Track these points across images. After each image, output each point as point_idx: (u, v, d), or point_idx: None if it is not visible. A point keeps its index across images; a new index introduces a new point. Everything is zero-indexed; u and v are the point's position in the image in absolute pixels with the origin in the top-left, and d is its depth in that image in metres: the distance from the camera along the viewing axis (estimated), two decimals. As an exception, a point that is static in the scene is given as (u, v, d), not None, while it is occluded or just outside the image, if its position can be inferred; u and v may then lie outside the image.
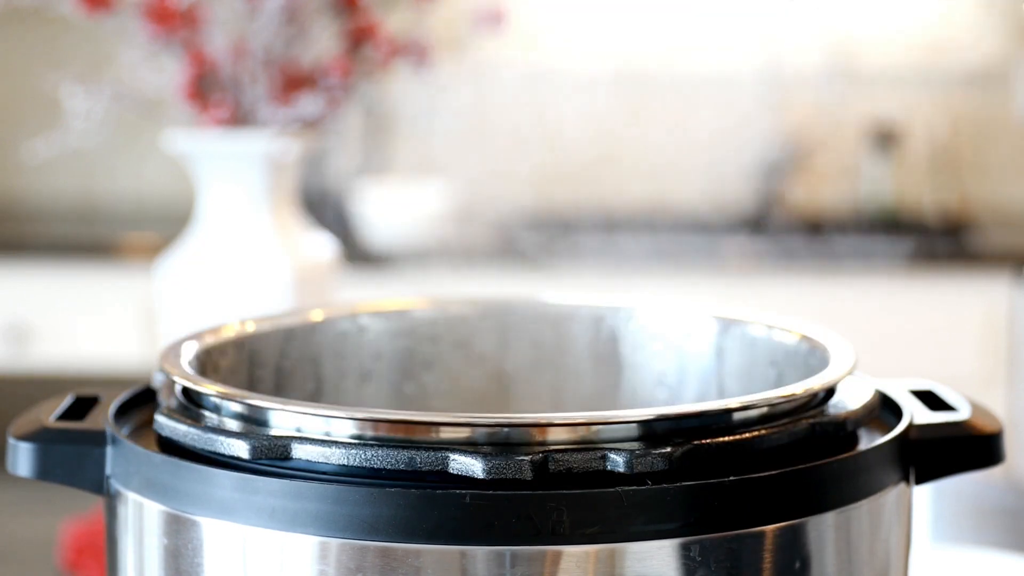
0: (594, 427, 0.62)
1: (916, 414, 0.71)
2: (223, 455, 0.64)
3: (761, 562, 0.62)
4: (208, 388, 0.67)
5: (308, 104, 1.23)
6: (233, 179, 1.23)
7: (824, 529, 0.64)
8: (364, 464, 0.61)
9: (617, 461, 0.60)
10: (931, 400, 0.75)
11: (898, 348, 2.69)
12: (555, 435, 0.62)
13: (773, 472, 0.62)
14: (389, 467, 0.61)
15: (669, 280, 2.74)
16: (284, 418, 0.64)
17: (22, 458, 0.70)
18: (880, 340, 2.66)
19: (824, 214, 3.21)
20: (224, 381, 0.78)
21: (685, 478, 0.61)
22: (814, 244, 2.92)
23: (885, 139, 3.17)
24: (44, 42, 3.24)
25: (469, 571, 0.59)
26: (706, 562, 0.60)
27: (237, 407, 0.66)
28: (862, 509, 0.65)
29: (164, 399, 0.72)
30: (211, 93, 1.23)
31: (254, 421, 0.66)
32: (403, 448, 0.61)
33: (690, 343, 0.87)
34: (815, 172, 3.24)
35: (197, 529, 0.63)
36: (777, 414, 0.66)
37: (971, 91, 3.19)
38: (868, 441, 0.69)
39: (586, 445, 0.61)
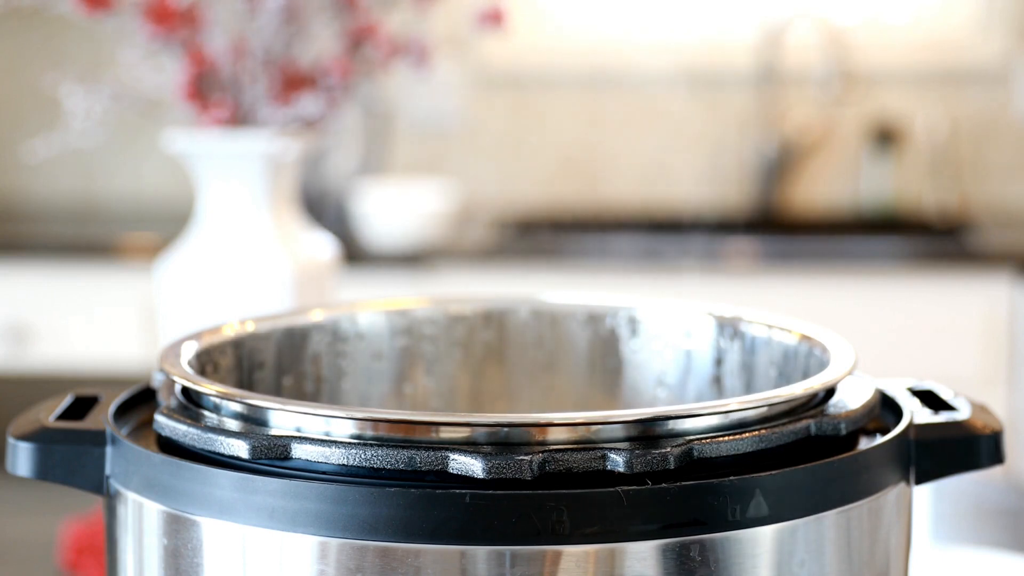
0: (594, 427, 0.62)
1: (916, 414, 0.71)
2: (223, 455, 0.64)
3: (761, 562, 0.62)
4: (208, 388, 0.67)
5: (308, 104, 1.23)
6: (233, 179, 1.23)
7: (824, 529, 0.64)
8: (364, 464, 0.61)
9: (617, 461, 0.60)
10: (931, 400, 0.75)
11: (898, 348, 2.69)
12: (555, 435, 0.62)
13: (773, 472, 0.62)
14: (389, 467, 0.61)
15: (669, 280, 2.74)
16: (284, 418, 0.64)
17: (22, 458, 0.69)
18: (880, 340, 2.66)
19: (824, 214, 3.21)
20: (224, 381, 0.78)
21: (685, 478, 0.61)
22: (814, 244, 2.92)
23: (885, 139, 3.17)
24: (44, 42, 3.25)
25: (469, 571, 0.59)
26: (706, 562, 0.60)
27: (237, 407, 0.66)
28: (862, 509, 0.65)
29: (164, 399, 0.72)
30: (211, 93, 1.23)
31: (254, 421, 0.65)
32: (403, 448, 0.61)
33: (690, 343, 0.87)
34: (815, 172, 3.24)
35: (197, 529, 0.63)
36: (777, 414, 0.66)
37: (971, 91, 3.19)
38: (868, 441, 0.69)
39: (586, 445, 0.61)
